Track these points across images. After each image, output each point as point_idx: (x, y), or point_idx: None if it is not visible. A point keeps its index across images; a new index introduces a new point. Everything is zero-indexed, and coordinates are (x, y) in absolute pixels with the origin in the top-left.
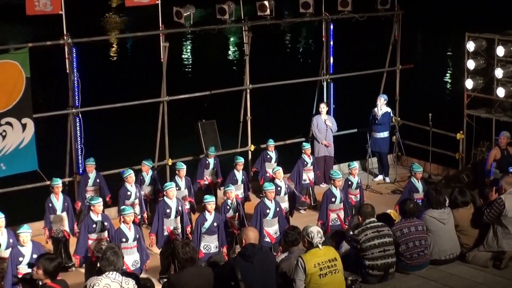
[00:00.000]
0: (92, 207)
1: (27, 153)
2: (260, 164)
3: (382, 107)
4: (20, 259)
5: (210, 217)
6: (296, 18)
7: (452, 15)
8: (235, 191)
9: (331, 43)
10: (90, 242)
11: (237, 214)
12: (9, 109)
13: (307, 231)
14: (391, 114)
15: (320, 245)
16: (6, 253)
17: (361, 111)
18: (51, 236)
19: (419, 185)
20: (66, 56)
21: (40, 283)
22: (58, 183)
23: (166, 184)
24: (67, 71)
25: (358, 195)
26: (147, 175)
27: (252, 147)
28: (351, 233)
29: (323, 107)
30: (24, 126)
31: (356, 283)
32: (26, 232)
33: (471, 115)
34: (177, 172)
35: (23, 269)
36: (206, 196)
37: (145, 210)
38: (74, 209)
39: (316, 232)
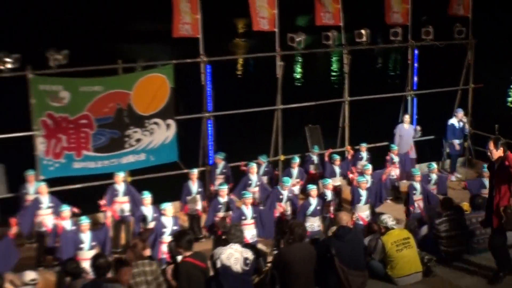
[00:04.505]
0: (220, 192)
1: (170, 148)
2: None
3: (462, 118)
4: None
5: (314, 201)
6: (387, 44)
7: None
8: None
9: (416, 65)
10: (216, 219)
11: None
12: (157, 112)
13: (380, 219)
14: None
15: (394, 226)
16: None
17: (438, 121)
18: (187, 214)
19: (487, 182)
20: (202, 71)
21: (179, 258)
22: (194, 171)
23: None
24: (202, 83)
25: (435, 190)
26: (262, 167)
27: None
28: (435, 221)
29: (407, 118)
30: (168, 126)
31: (431, 261)
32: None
33: None
34: (292, 165)
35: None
36: (309, 186)
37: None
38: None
39: (387, 217)
